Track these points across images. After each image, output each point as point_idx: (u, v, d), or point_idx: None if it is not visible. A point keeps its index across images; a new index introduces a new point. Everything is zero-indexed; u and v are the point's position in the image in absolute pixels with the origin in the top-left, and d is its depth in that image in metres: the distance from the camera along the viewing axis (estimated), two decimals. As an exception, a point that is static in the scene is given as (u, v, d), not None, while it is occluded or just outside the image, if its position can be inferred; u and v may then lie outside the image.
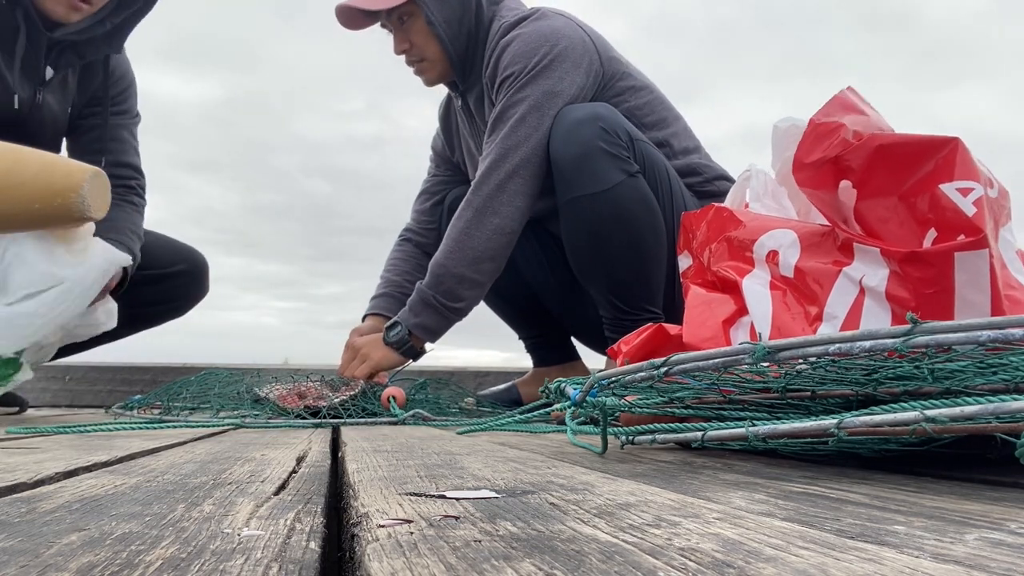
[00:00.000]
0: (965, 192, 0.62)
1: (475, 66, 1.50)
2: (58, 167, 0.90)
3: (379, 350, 1.44)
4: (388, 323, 1.46)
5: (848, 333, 0.48)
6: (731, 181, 1.49)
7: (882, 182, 0.67)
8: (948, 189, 0.63)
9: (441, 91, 1.66)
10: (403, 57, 1.52)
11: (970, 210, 0.62)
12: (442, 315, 1.40)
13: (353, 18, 1.49)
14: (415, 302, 1.41)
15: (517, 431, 0.98)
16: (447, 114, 1.69)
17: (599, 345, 1.60)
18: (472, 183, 1.42)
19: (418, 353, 1.45)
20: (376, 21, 1.50)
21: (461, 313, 1.42)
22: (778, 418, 0.56)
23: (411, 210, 1.77)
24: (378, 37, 1.51)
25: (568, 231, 1.40)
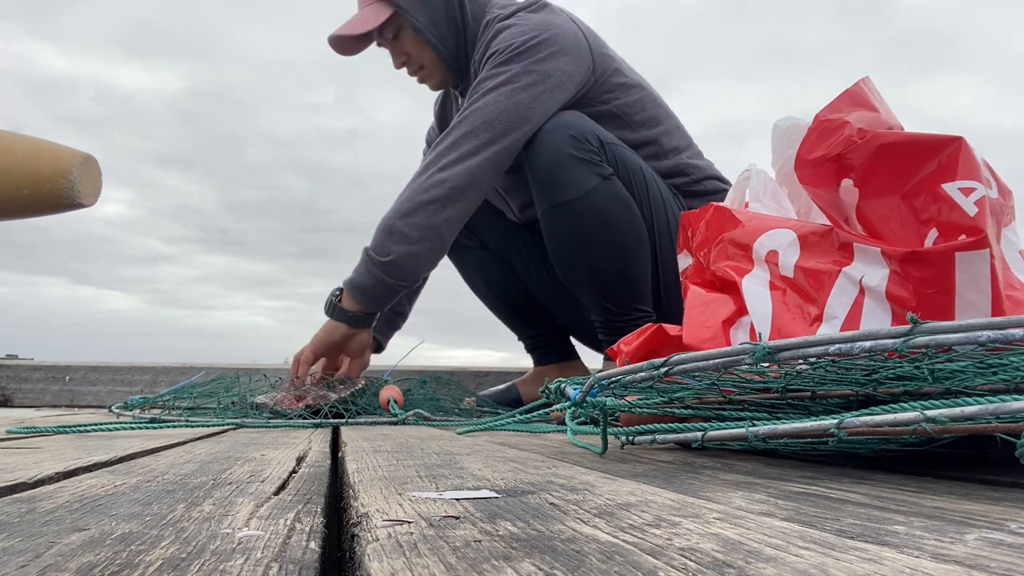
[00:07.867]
0: (967, 192, 0.62)
1: (470, 62, 1.50)
2: (47, 151, 0.87)
3: (319, 330, 1.41)
4: None
5: (848, 333, 0.48)
6: (721, 180, 1.50)
7: (884, 181, 0.66)
8: (950, 189, 0.63)
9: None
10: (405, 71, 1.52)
11: (972, 210, 0.62)
12: (369, 269, 1.34)
13: (348, 45, 1.48)
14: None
15: (517, 431, 0.98)
16: (443, 109, 1.69)
17: (598, 345, 1.60)
18: None
19: (353, 317, 1.37)
20: (370, 42, 1.50)
21: (388, 270, 1.33)
22: (778, 418, 0.56)
23: None
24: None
25: (550, 240, 1.40)
